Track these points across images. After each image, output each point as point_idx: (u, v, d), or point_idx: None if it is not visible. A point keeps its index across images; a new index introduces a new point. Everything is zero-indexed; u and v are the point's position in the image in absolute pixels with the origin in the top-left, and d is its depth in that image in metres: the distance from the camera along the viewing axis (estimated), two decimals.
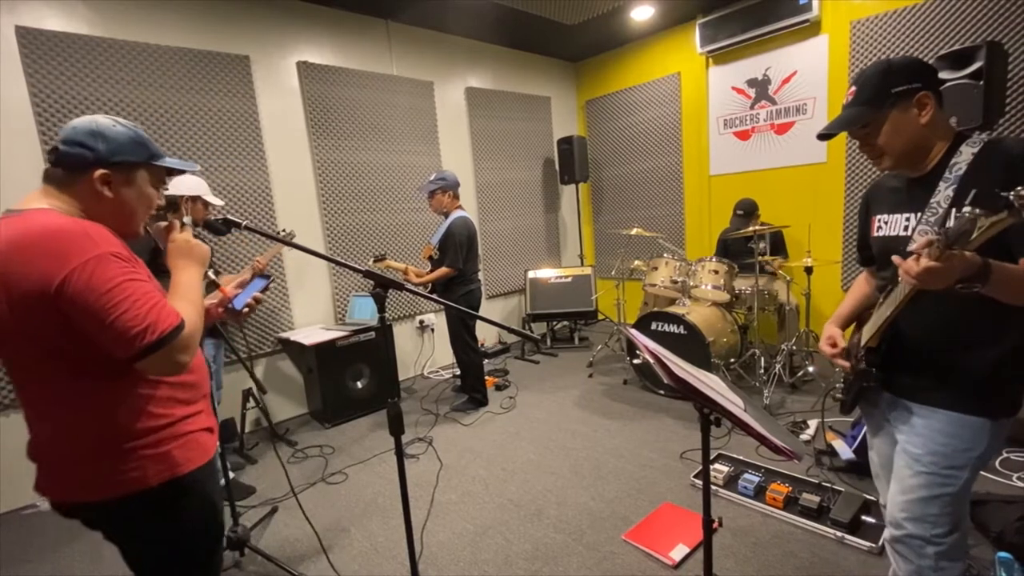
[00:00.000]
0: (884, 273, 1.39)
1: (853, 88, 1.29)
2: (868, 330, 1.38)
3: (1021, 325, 1.19)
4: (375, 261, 3.64)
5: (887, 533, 1.40)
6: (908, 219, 1.30)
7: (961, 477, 1.25)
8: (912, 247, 1.05)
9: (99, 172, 1.11)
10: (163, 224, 1.29)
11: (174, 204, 2.83)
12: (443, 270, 3.59)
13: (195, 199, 2.84)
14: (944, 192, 1.21)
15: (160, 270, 1.23)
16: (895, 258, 1.10)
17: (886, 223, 1.38)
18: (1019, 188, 0.87)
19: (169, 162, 1.24)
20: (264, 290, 1.57)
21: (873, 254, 1.46)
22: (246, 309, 1.49)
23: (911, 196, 1.30)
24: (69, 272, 0.99)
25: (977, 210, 0.91)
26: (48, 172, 1.13)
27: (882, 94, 1.23)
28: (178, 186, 2.86)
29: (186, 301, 1.17)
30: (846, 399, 1.48)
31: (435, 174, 3.70)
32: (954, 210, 1.18)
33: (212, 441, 1.27)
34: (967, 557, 1.91)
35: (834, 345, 1.45)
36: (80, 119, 1.14)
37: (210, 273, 1.35)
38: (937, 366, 1.28)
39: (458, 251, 3.56)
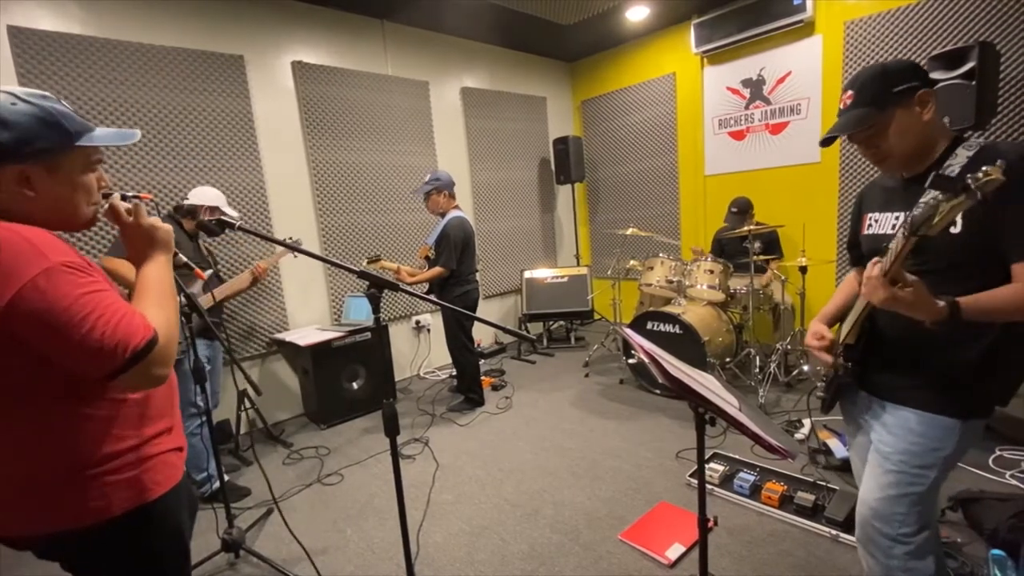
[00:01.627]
0: None
1: (850, 92, 1.27)
2: (846, 326, 1.39)
3: (996, 328, 1.18)
4: (369, 262, 3.62)
5: (856, 532, 1.41)
6: (898, 217, 1.31)
7: (929, 476, 1.27)
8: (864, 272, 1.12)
9: (13, 170, 0.91)
10: (104, 207, 1.07)
11: (193, 213, 2.83)
12: (436, 270, 3.59)
13: (213, 210, 2.84)
14: (933, 192, 1.22)
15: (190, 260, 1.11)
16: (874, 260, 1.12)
17: (876, 221, 1.39)
18: (976, 173, 0.89)
19: (99, 138, 1.00)
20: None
21: (862, 253, 1.46)
22: None
23: (905, 195, 1.31)
24: (18, 290, 0.85)
25: (939, 195, 0.93)
26: None
27: (884, 94, 1.22)
28: (199, 196, 2.87)
29: (156, 304, 1.01)
30: (826, 397, 1.49)
31: (429, 175, 3.70)
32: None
33: (181, 461, 1.16)
34: (959, 555, 1.93)
35: (821, 338, 1.45)
36: None
37: (181, 255, 1.20)
38: (911, 365, 1.29)
39: (452, 252, 3.56)
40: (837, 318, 1.55)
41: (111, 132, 1.03)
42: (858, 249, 1.49)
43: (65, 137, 0.95)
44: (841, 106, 1.30)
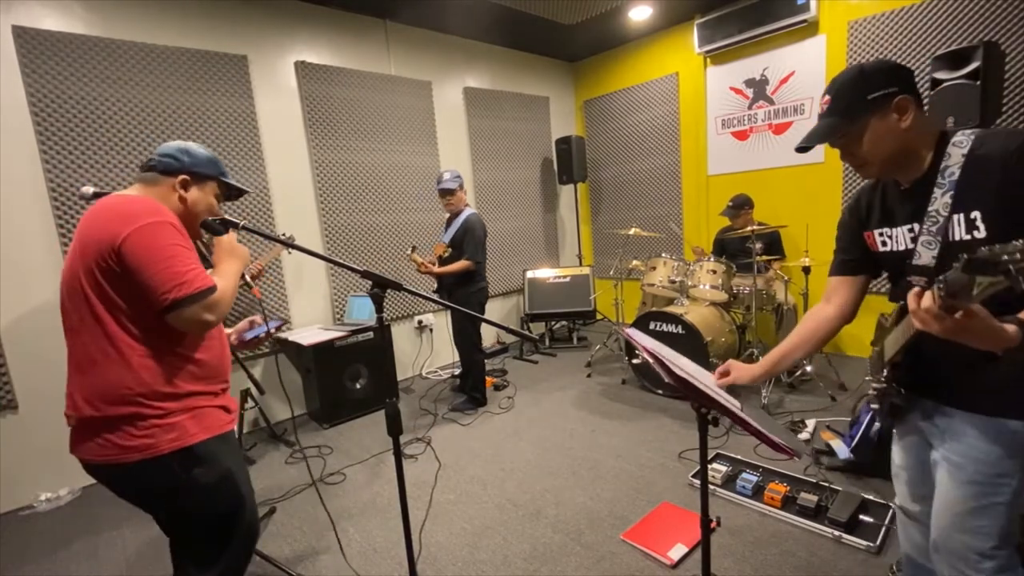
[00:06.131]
0: (898, 290, 1.31)
1: (827, 97, 1.23)
2: (891, 345, 1.27)
3: None
4: (411, 251, 3.77)
5: (935, 543, 1.29)
6: (912, 230, 1.24)
7: (1011, 485, 1.17)
8: (911, 295, 0.99)
9: (181, 177, 1.41)
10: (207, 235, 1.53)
11: None
12: (464, 263, 3.60)
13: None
14: (941, 200, 1.15)
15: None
16: (911, 294, 1.00)
17: (890, 237, 1.30)
18: (1016, 253, 0.77)
19: (232, 181, 1.55)
20: (276, 330, 1.78)
21: (853, 259, 1.41)
22: (244, 340, 1.81)
23: (911, 205, 1.23)
24: (134, 229, 1.23)
25: (976, 279, 0.83)
26: (139, 175, 1.43)
27: (858, 102, 1.17)
28: None
29: (222, 278, 1.39)
30: (881, 409, 1.38)
31: (448, 173, 3.69)
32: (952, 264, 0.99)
33: (228, 418, 1.43)
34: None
35: (724, 375, 1.42)
36: (173, 141, 1.47)
37: (247, 276, 1.57)
38: (970, 367, 1.18)
39: (478, 245, 3.61)
40: (787, 357, 1.48)
41: (236, 182, 1.59)
42: (858, 262, 1.41)
43: (216, 171, 1.49)
44: (819, 110, 1.26)
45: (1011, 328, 0.95)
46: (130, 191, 1.39)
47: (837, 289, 1.45)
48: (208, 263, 1.43)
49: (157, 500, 1.38)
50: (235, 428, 1.45)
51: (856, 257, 1.41)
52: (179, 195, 1.41)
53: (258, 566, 2.24)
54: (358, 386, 3.87)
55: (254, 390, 3.31)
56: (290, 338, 3.75)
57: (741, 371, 1.45)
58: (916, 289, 0.99)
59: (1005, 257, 0.77)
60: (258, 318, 1.89)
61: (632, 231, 4.44)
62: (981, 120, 2.82)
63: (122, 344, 1.26)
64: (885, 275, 1.39)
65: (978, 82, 2.82)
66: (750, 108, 4.71)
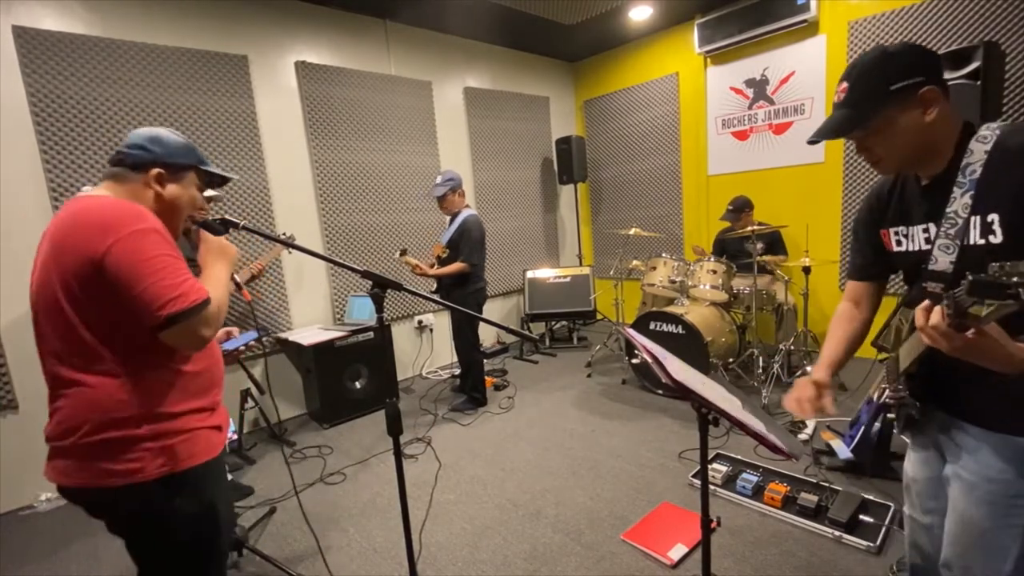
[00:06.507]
0: (914, 294, 1.24)
1: (844, 84, 1.12)
2: (906, 356, 1.19)
3: None
4: (400, 254, 3.72)
5: (947, 560, 1.23)
6: (927, 230, 1.16)
7: None
8: (919, 310, 0.94)
9: (155, 170, 1.25)
10: (195, 227, 1.43)
11: None
12: (459, 265, 3.60)
13: (212, 199, 2.90)
14: (961, 200, 1.06)
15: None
16: (919, 310, 0.95)
17: (905, 236, 1.23)
18: None
19: (212, 168, 1.41)
20: (256, 342, 1.69)
21: (871, 262, 1.37)
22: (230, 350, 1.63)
23: (928, 204, 1.15)
24: (116, 240, 1.10)
25: (985, 301, 0.80)
26: (109, 171, 1.27)
27: (878, 93, 1.06)
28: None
29: (214, 285, 1.27)
30: (897, 419, 1.34)
31: (441, 176, 3.69)
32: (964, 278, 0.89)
33: (219, 439, 1.32)
34: None
35: (816, 398, 1.27)
36: (141, 128, 1.31)
37: (236, 277, 1.49)
38: (986, 386, 1.10)
39: (475, 247, 3.60)
40: (843, 363, 1.38)
41: (219, 168, 1.42)
42: (878, 266, 1.36)
43: (194, 160, 1.34)
44: (835, 100, 1.15)
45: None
46: (99, 190, 1.24)
47: (861, 294, 1.41)
48: (193, 261, 1.31)
49: (133, 526, 1.26)
50: (225, 446, 1.34)
51: (873, 260, 1.36)
52: (154, 192, 1.26)
53: (258, 566, 2.24)
54: (358, 386, 3.88)
55: (254, 390, 3.32)
56: (290, 338, 3.76)
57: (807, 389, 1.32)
58: (925, 304, 0.94)
59: (1015, 279, 0.71)
60: (235, 330, 1.80)
61: (632, 231, 4.44)
62: (981, 121, 2.82)
63: (113, 365, 1.15)
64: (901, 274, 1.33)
65: (978, 82, 2.82)
66: (750, 108, 4.71)
